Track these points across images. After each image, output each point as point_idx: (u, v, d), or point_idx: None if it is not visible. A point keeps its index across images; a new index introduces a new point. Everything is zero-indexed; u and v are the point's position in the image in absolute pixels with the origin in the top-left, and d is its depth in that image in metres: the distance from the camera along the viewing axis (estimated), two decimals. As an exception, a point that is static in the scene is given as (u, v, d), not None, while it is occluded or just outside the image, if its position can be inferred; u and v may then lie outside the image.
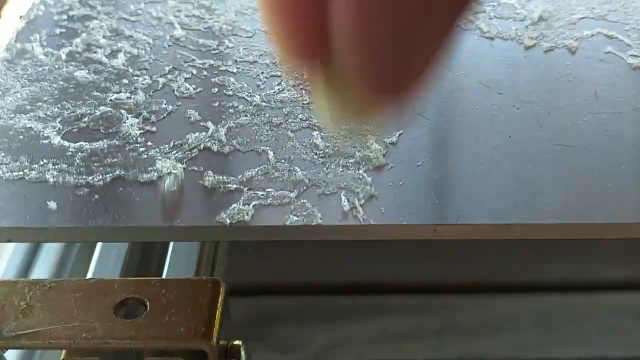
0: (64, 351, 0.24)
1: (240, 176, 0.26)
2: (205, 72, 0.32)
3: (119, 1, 0.37)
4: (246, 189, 0.26)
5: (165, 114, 0.30)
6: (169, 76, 0.32)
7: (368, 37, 0.18)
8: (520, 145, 0.28)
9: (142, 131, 0.29)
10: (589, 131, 0.29)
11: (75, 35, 0.35)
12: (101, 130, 0.29)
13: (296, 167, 0.26)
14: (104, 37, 0.34)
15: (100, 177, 0.26)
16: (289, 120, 0.29)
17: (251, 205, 0.25)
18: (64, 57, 0.33)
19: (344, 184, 0.26)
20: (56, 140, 0.28)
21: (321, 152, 0.28)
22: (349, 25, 0.17)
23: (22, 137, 0.28)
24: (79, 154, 0.27)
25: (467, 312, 0.46)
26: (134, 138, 0.28)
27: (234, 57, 0.33)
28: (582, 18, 0.36)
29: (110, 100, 0.30)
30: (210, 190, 0.26)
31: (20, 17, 0.36)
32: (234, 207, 0.25)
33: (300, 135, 0.28)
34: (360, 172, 0.27)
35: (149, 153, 0.27)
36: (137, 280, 0.25)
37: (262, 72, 0.32)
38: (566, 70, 0.32)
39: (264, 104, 0.30)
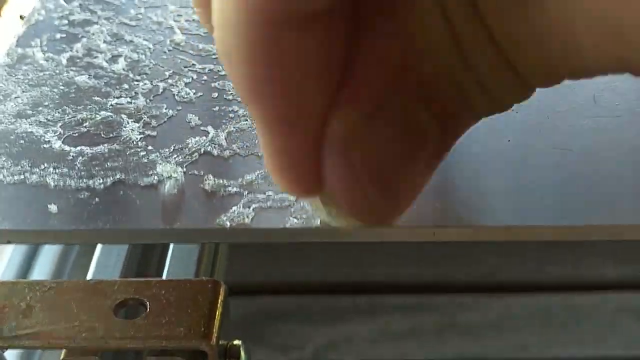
0: (63, 351, 0.25)
1: (240, 180, 0.27)
2: (205, 77, 0.33)
3: (119, 6, 0.38)
4: (246, 192, 0.26)
5: (165, 119, 0.30)
6: (170, 81, 0.32)
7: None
8: (519, 149, 0.28)
9: (142, 135, 0.29)
10: (588, 135, 0.29)
11: (76, 40, 0.35)
12: (102, 134, 0.29)
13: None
14: (104, 42, 0.35)
15: (101, 180, 0.27)
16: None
17: (251, 208, 0.25)
18: (64, 62, 0.33)
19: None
20: (57, 144, 0.28)
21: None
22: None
23: (23, 141, 0.28)
24: (80, 158, 0.28)
25: (467, 312, 0.46)
26: (134, 142, 0.28)
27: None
28: None
29: (111, 105, 0.31)
30: (211, 193, 0.26)
31: (21, 16, 0.36)
32: (234, 210, 0.25)
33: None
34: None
35: (150, 157, 0.28)
36: (137, 281, 0.26)
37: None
38: None
39: (263, 108, 0.30)
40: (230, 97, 0.31)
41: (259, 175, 0.27)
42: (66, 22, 0.36)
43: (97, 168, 0.27)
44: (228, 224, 0.25)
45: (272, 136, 0.20)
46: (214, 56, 0.34)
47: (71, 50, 0.34)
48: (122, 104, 0.31)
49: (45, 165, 0.27)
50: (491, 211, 0.25)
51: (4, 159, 0.27)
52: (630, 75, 0.17)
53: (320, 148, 0.20)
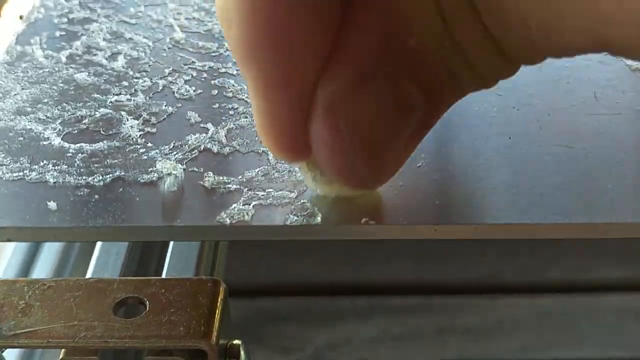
0: (62, 350, 0.24)
1: (240, 177, 0.26)
2: (205, 75, 0.32)
3: (119, 4, 0.38)
4: (246, 189, 0.26)
5: (165, 116, 0.30)
6: (169, 78, 0.32)
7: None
8: (519, 147, 0.28)
9: (142, 132, 0.29)
10: (588, 133, 0.29)
11: (75, 38, 0.35)
12: (101, 131, 0.29)
13: (296, 168, 0.27)
14: (104, 39, 0.35)
15: (101, 177, 0.26)
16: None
17: (251, 205, 0.25)
18: (64, 59, 0.33)
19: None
20: (56, 141, 0.28)
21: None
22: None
23: (22, 138, 0.28)
24: (79, 155, 0.28)
25: (467, 313, 0.46)
26: (134, 139, 0.28)
27: (233, 60, 0.33)
28: None
29: (111, 102, 0.30)
30: (211, 190, 0.26)
31: (20, 16, 0.36)
32: (234, 207, 0.25)
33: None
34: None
35: (149, 154, 0.28)
36: (136, 279, 0.26)
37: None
38: (565, 72, 0.32)
39: (263, 105, 0.30)
40: (230, 95, 0.31)
41: (259, 173, 0.27)
42: (66, 20, 0.36)
43: (96, 165, 0.27)
44: (228, 221, 0.25)
45: (264, 101, 0.21)
46: (213, 54, 0.34)
47: (71, 48, 0.34)
48: (122, 101, 0.31)
49: (45, 162, 0.27)
50: (492, 209, 0.25)
51: (3, 155, 0.27)
52: (611, 54, 0.18)
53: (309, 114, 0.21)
